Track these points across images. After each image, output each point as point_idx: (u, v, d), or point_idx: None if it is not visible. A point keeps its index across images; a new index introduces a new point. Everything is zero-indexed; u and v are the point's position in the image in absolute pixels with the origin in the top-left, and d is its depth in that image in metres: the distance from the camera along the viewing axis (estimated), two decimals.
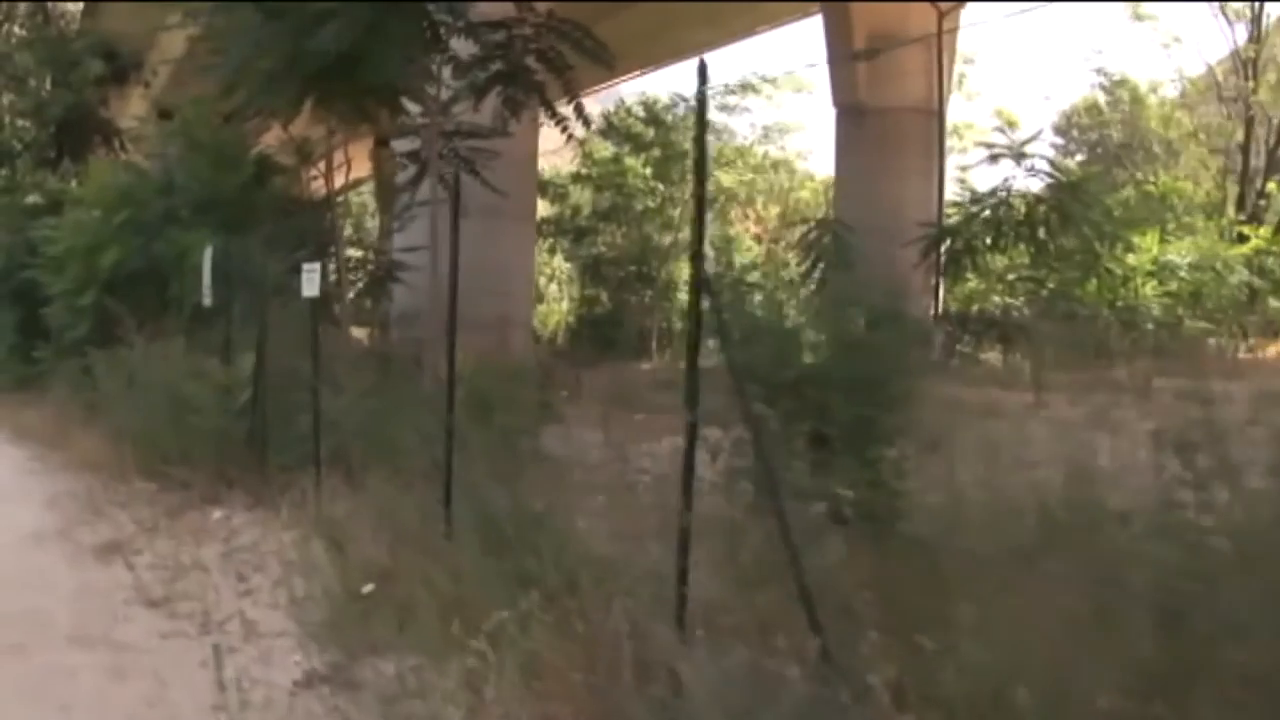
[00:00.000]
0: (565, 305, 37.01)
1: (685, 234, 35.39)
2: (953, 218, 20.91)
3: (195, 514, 7.97)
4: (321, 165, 14.56)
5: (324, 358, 8.00)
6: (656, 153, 33.15)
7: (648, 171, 33.39)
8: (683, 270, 35.50)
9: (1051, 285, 20.09)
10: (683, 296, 35.46)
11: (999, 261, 20.45)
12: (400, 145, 15.01)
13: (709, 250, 4.42)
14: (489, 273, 16.04)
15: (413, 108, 13.80)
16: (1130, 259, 20.27)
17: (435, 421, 7.78)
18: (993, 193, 19.51)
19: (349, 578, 5.33)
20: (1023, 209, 18.90)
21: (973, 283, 22.71)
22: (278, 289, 8.78)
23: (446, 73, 13.78)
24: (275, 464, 8.29)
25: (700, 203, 4.51)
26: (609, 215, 34.34)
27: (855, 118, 23.93)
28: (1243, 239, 22.41)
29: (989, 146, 20.75)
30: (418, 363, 9.38)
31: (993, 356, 21.73)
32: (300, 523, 7.05)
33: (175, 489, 8.61)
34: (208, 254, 10.24)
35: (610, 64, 10.70)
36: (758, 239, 39.01)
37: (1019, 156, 19.15)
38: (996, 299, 22.81)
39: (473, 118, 13.86)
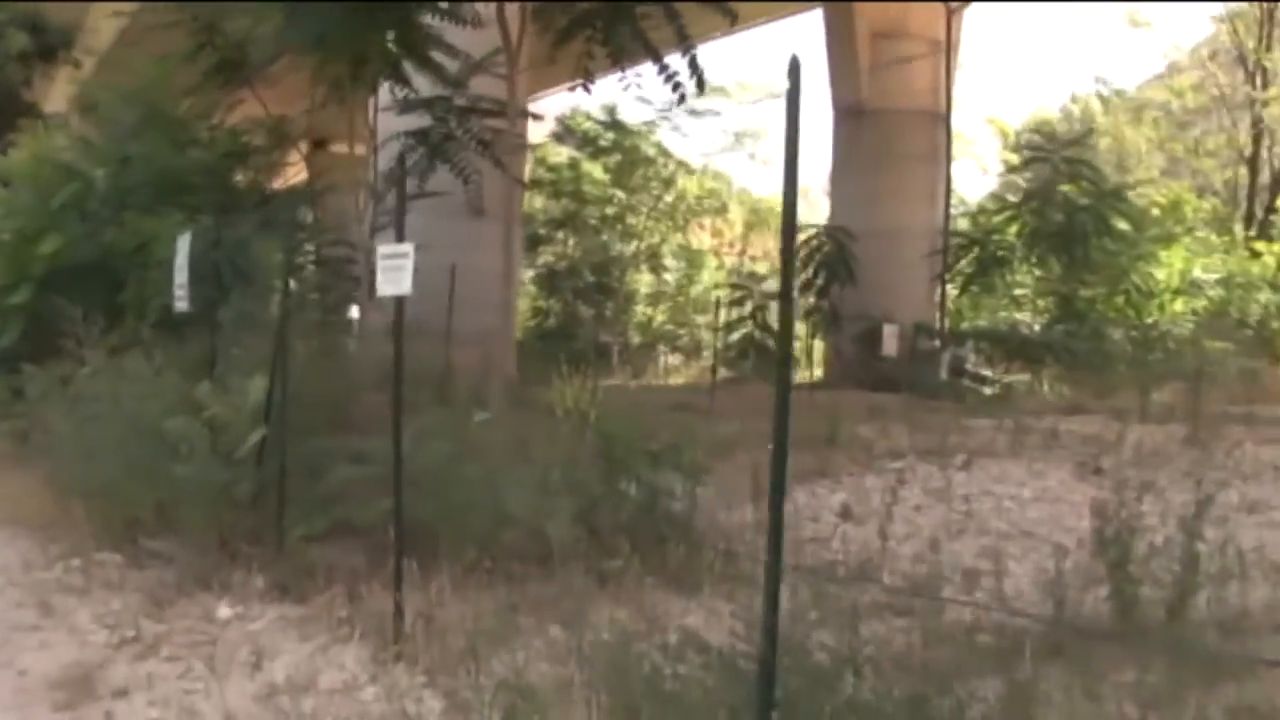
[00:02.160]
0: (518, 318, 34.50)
1: (646, 243, 33.21)
2: (977, 225, 18.99)
3: (192, 609, 5.41)
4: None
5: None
6: (616, 158, 31.00)
7: (606, 178, 31.19)
8: (643, 281, 33.33)
9: (1082, 300, 18.34)
10: (641, 310, 33.36)
11: (1028, 274, 18.63)
12: (389, 124, 12.58)
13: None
14: (472, 280, 13.68)
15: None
16: (1160, 274, 18.59)
17: (568, 478, 5.40)
18: (1030, 198, 17.60)
19: None
20: (1060, 217, 17.01)
21: (977, 296, 20.93)
22: (302, 291, 6.25)
23: (461, 38, 11.45)
24: (298, 533, 5.80)
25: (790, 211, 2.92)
26: (565, 223, 32.02)
27: (856, 119, 22.00)
28: (1254, 255, 20.91)
29: (1030, 149, 18.83)
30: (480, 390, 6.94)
31: (1009, 379, 19.95)
32: (372, 638, 4.60)
33: (153, 564, 6.05)
34: (183, 244, 7.59)
35: (733, 14, 8.41)
36: (715, 252, 36.97)
37: (1065, 160, 17.25)
38: (1010, 314, 21.11)
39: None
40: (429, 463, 5.66)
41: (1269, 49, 22.14)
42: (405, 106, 10.88)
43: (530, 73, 10.17)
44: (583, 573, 5.12)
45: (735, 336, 20.91)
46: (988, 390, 19.46)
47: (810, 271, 20.95)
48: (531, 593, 5.06)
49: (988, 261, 18.21)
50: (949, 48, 22.03)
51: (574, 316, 31.22)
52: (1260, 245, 21.04)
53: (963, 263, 18.60)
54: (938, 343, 19.26)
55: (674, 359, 32.68)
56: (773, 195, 37.01)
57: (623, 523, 5.40)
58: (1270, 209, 22.61)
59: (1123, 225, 17.40)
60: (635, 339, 32.32)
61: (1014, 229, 17.74)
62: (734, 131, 31.97)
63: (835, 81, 22.24)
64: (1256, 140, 22.53)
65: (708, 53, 11.20)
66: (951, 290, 21.18)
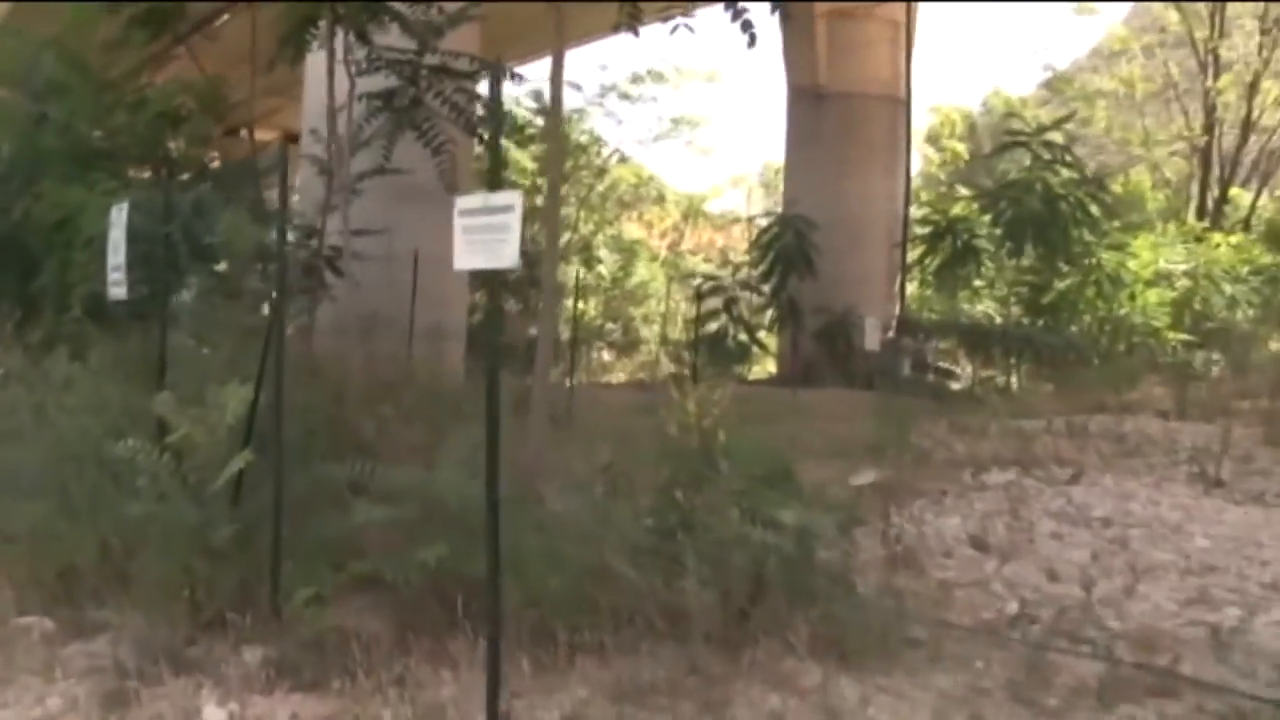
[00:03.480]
0: None
1: (579, 234, 31.79)
2: (948, 214, 17.92)
3: (160, 703, 3.88)
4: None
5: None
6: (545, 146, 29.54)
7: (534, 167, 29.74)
8: (574, 274, 31.92)
9: (1055, 292, 17.43)
10: (570, 304, 31.92)
11: (1000, 265, 17.65)
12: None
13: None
14: (429, 271, 12.17)
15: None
16: (1132, 265, 17.78)
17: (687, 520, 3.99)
18: (1012, 185, 16.57)
19: None
20: (1039, 205, 16.02)
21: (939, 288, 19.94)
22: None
23: None
24: (305, 594, 4.28)
25: None
26: None
27: (814, 103, 20.86)
28: (1213, 245, 20.30)
29: (1009, 133, 17.83)
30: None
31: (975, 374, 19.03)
32: None
33: (101, 635, 4.48)
34: (119, 217, 5.93)
35: None
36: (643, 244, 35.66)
37: (1047, 145, 16.26)
38: (972, 307, 20.18)
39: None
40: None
41: (1221, 36, 21.59)
42: (369, 64, 9.27)
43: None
44: (711, 643, 3.76)
45: (708, 330, 19.53)
46: (955, 386, 18.57)
47: (768, 263, 19.74)
48: (644, 675, 3.67)
49: (962, 251, 17.17)
50: (909, 31, 21.07)
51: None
52: (1218, 236, 20.46)
53: (935, 253, 17.50)
54: (922, 336, 18.26)
55: (607, 355, 31.38)
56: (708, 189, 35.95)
57: (761, 575, 4.03)
58: (1222, 200, 22.09)
59: (1098, 214, 16.51)
60: (565, 334, 30.98)
61: (989, 217, 16.72)
62: (671, 118, 30.67)
63: (791, 63, 21.10)
64: (1209, 130, 21.99)
65: (645, 37, 9.85)
66: (915, 282, 20.25)
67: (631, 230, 35.08)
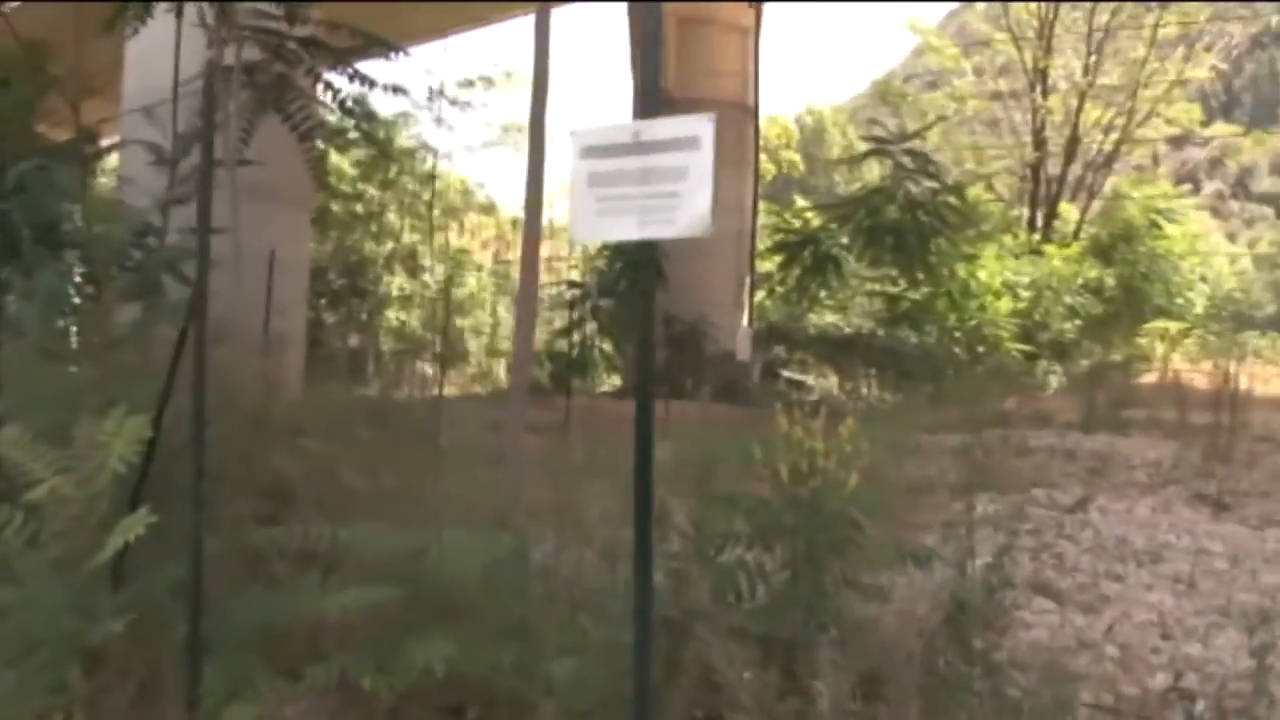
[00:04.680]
0: None
1: (404, 242, 30.14)
2: (807, 223, 17.48)
3: None
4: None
5: None
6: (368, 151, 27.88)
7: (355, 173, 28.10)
8: (396, 284, 30.19)
9: (909, 301, 17.21)
10: (393, 315, 30.16)
11: (857, 274, 17.31)
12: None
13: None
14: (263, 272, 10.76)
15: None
16: (982, 275, 17.78)
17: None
18: (874, 193, 16.22)
19: None
20: (900, 214, 15.73)
21: (772, 297, 19.56)
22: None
23: None
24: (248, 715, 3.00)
25: None
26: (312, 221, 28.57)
27: (661, 109, 20.04)
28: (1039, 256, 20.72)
29: (871, 141, 17.49)
30: None
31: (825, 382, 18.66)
32: None
33: None
34: None
35: None
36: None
37: (908, 154, 15.97)
38: (821, 317, 19.83)
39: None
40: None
41: (1049, 53, 22.14)
42: (223, 34, 7.80)
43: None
44: None
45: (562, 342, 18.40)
46: (808, 396, 18.13)
47: (617, 270, 18.84)
48: None
49: (821, 260, 16.74)
50: (758, 37, 20.66)
51: (320, 323, 27.84)
52: (1050, 249, 20.89)
53: (794, 263, 17.03)
54: (771, 345, 17.74)
55: (430, 368, 29.76)
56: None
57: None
58: (1051, 215, 22.64)
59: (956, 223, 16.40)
60: (386, 346, 29.33)
61: (848, 226, 16.35)
62: (502, 125, 29.38)
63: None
64: (1039, 146, 22.51)
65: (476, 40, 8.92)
66: (763, 291, 19.80)
67: (459, 240, 33.60)
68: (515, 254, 34.27)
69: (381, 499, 3.79)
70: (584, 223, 2.17)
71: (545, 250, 35.46)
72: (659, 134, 2.12)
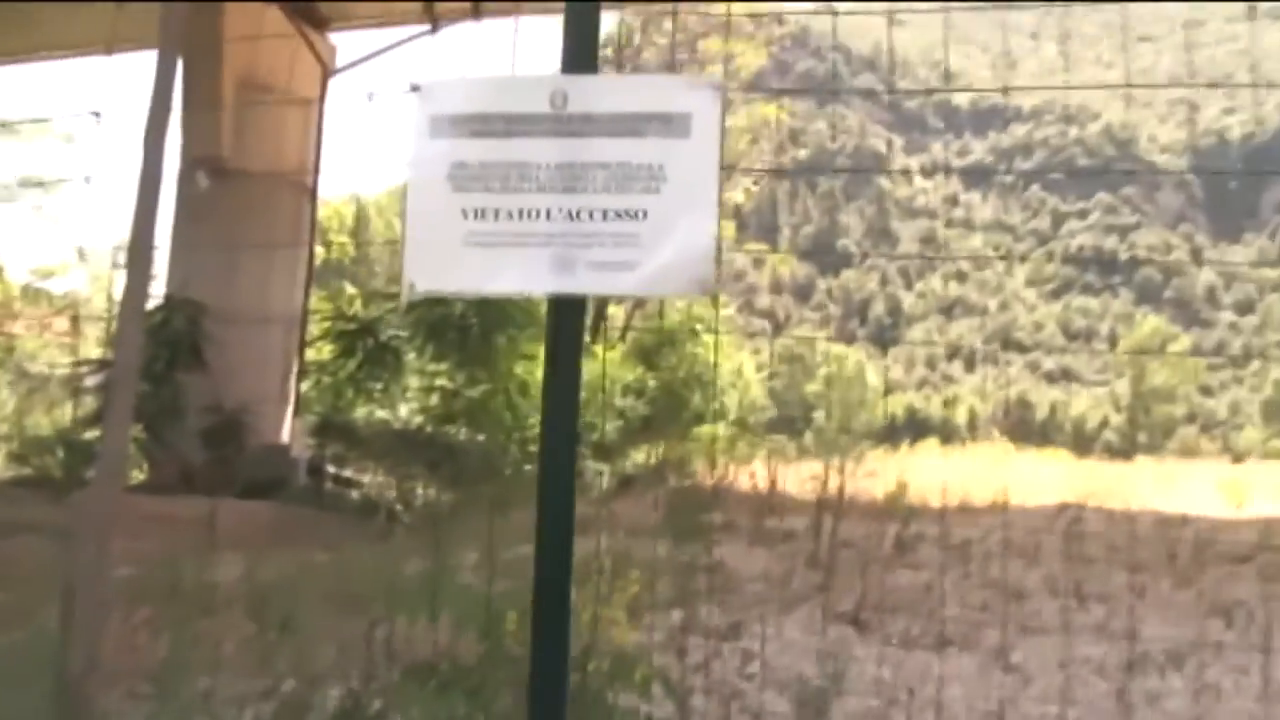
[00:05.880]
0: None
1: None
2: (365, 311, 16.60)
3: None
4: None
5: None
6: None
7: None
8: None
9: (467, 399, 16.83)
10: None
11: (418, 368, 16.65)
12: None
13: None
14: None
15: None
16: (539, 374, 17.79)
17: None
18: None
19: None
20: (462, 306, 15.40)
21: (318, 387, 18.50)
22: None
23: None
24: None
25: None
26: None
27: (211, 177, 18.36)
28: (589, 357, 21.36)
29: None
30: None
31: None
32: None
33: None
34: None
35: None
36: None
37: None
38: (372, 411, 18.88)
39: None
40: None
41: None
42: None
43: None
44: None
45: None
46: (355, 495, 17.10)
47: (153, 352, 16.78)
48: None
49: (379, 351, 15.96)
50: (321, 113, 19.68)
51: None
52: (597, 349, 21.53)
53: (350, 354, 16.10)
54: (317, 441, 16.53)
55: None
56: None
57: None
58: (600, 315, 23.34)
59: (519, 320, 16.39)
60: None
61: (410, 317, 15.77)
62: (19, 178, 25.63)
63: (190, 128, 18.37)
64: None
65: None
66: (311, 380, 18.60)
67: None
68: (20, 325, 29.93)
69: None
70: (440, 264, 1.24)
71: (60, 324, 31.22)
72: (606, 101, 1.17)
